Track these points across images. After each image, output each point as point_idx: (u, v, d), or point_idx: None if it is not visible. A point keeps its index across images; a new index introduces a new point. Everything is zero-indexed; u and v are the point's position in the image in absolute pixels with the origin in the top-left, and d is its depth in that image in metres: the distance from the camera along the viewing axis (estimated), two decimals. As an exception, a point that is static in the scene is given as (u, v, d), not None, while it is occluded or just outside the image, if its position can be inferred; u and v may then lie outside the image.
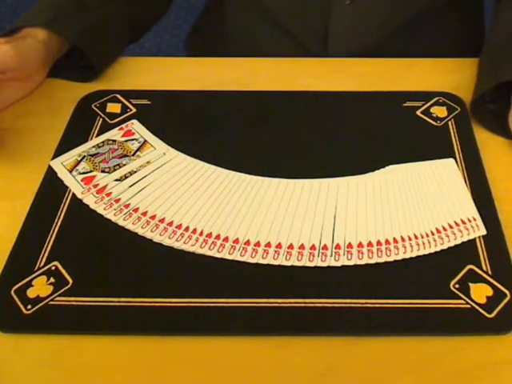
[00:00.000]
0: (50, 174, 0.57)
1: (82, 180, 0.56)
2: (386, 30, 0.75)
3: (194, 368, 0.44)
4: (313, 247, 0.50)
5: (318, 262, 0.49)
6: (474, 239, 0.51)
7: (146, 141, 0.60)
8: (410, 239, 0.51)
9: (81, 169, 0.57)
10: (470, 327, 0.46)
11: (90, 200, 0.54)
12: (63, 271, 0.49)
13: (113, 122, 0.63)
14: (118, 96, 0.65)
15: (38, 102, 0.65)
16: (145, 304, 0.47)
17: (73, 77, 0.68)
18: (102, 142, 0.60)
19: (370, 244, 0.50)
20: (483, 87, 0.61)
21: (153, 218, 0.52)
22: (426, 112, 0.63)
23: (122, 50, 0.72)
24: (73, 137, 0.61)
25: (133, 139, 0.60)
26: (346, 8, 0.72)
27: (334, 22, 0.73)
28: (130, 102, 0.65)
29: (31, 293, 0.48)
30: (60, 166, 0.58)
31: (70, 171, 0.57)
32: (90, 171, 0.57)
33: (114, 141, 0.60)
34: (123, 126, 0.62)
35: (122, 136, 0.61)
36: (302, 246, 0.50)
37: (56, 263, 0.50)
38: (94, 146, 0.60)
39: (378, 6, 0.73)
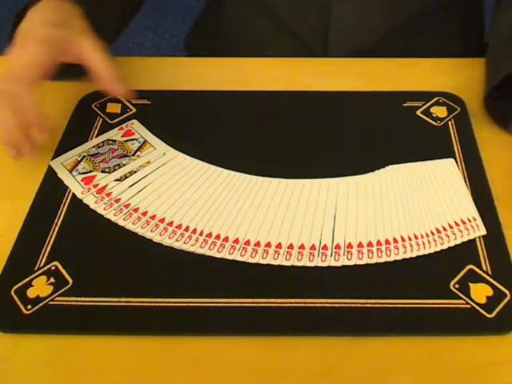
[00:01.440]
0: (50, 173, 0.57)
1: (82, 180, 0.56)
2: (386, 29, 0.75)
3: (194, 368, 0.44)
4: (313, 247, 0.50)
5: (318, 262, 0.49)
6: (474, 239, 0.51)
7: (145, 141, 0.60)
8: (409, 239, 0.51)
9: (81, 169, 0.57)
10: (470, 327, 0.46)
11: (89, 200, 0.54)
12: (63, 271, 0.49)
13: (113, 122, 0.63)
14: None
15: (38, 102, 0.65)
16: (145, 304, 0.47)
17: (72, 74, 0.67)
18: (102, 142, 0.60)
19: (370, 244, 0.50)
20: (492, 82, 0.61)
21: (153, 217, 0.52)
22: (426, 112, 0.63)
23: (112, 40, 0.71)
24: (73, 137, 0.61)
25: (133, 139, 0.60)
26: (346, 6, 0.72)
27: (335, 21, 0.73)
28: (130, 102, 0.65)
29: (31, 293, 0.48)
30: (60, 166, 0.58)
31: (70, 171, 0.57)
32: (90, 171, 0.57)
33: (114, 141, 0.60)
34: (123, 125, 0.62)
35: (122, 136, 0.61)
36: (302, 246, 0.50)
37: (56, 263, 0.50)
38: (94, 146, 0.60)
39: (377, 5, 0.73)
